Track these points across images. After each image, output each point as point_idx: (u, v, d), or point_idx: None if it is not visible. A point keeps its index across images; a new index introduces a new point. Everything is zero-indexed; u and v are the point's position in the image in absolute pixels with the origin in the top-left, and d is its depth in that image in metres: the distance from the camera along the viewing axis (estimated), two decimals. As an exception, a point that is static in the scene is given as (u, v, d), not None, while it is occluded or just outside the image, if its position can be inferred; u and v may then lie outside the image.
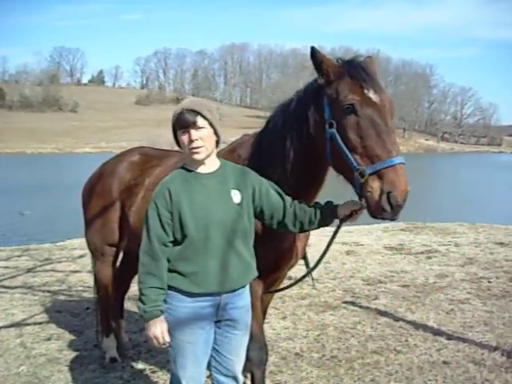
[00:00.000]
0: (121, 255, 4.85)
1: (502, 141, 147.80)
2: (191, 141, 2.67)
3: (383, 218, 2.68)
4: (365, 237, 11.05)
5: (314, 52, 2.84)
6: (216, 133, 2.76)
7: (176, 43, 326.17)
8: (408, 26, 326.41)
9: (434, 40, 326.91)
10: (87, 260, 4.99)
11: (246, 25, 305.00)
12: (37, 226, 17.16)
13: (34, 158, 63.10)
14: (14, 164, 48.91)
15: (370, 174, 2.63)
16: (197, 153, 2.69)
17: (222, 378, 2.96)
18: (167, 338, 2.73)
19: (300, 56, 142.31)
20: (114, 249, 4.54)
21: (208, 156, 2.76)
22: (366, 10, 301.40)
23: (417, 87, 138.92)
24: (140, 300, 2.72)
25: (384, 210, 2.61)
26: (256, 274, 2.94)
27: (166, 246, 2.72)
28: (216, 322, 2.86)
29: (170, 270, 2.74)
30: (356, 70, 2.81)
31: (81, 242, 9.55)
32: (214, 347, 2.90)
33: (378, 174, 2.61)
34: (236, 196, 2.78)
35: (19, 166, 47.46)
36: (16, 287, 7.17)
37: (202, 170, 2.79)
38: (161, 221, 2.69)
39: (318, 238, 9.65)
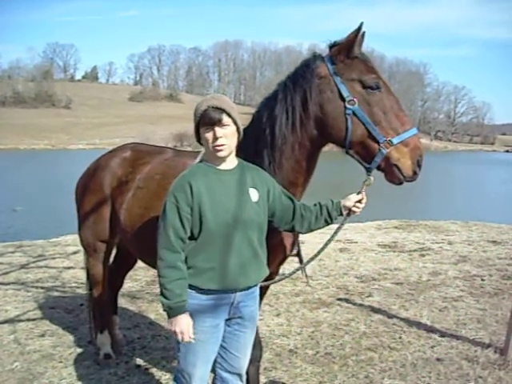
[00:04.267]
0: (114, 251, 4.85)
1: (496, 139, 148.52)
2: (216, 138, 2.66)
3: (408, 181, 3.01)
4: (358, 234, 11.07)
5: (359, 29, 2.99)
6: (238, 130, 2.77)
7: (170, 40, 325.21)
8: (403, 24, 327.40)
9: (428, 39, 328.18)
10: (81, 256, 4.98)
11: (240, 22, 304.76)
12: (30, 222, 17.09)
13: (27, 154, 62.82)
14: (6, 160, 48.65)
15: (397, 144, 2.93)
16: (221, 150, 2.69)
17: (226, 375, 2.98)
18: (192, 335, 2.68)
19: (294, 53, 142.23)
20: (106, 245, 4.52)
21: (230, 153, 2.77)
22: (361, 9, 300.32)
23: (410, 86, 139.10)
24: (163, 295, 2.67)
25: (415, 172, 2.98)
26: (268, 271, 2.96)
27: (184, 241, 2.69)
28: (226, 320, 2.87)
29: (187, 267, 2.72)
30: (365, 55, 3.09)
31: (74, 238, 9.52)
32: (221, 344, 2.91)
33: (405, 143, 2.95)
34: (254, 194, 2.80)
35: (12, 162, 47.24)
36: (9, 283, 7.14)
37: (221, 166, 2.79)
38: (180, 215, 2.66)
39: (312, 235, 9.67)
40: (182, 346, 2.82)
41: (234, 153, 2.82)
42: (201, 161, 2.87)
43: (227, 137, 2.68)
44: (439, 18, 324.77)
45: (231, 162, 2.83)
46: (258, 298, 2.97)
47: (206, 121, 2.68)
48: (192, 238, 2.72)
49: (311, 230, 3.11)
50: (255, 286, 2.90)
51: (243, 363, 3.01)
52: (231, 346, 2.91)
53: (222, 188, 2.73)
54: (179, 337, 2.66)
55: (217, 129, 2.66)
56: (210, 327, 2.77)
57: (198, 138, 2.80)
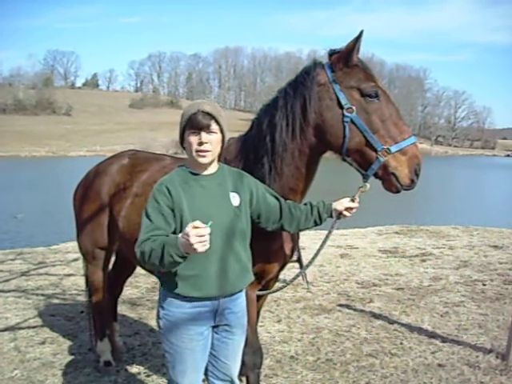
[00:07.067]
0: (113, 258, 4.84)
1: (496, 144, 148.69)
2: (201, 143, 2.64)
3: (405, 190, 3.03)
4: (359, 240, 11.05)
5: (359, 38, 3.02)
6: (223, 139, 2.75)
7: (170, 46, 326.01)
8: (403, 30, 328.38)
9: (428, 44, 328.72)
10: (81, 263, 4.97)
11: (240, 28, 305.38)
12: (30, 229, 17.09)
13: (28, 161, 62.88)
14: (7, 167, 48.69)
15: (395, 152, 2.95)
16: (203, 156, 2.67)
17: (218, 383, 2.95)
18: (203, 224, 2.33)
19: (294, 59, 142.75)
20: (105, 252, 4.51)
21: (212, 161, 2.75)
22: (363, 15, 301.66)
23: (411, 91, 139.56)
24: (160, 257, 2.42)
25: (413, 181, 3.00)
26: (253, 277, 2.94)
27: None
28: (213, 327, 2.84)
29: (168, 274, 2.69)
30: (364, 63, 3.09)
31: (75, 245, 9.46)
32: (210, 352, 2.88)
33: (403, 151, 2.96)
34: (235, 199, 2.78)
35: (13, 169, 47.28)
36: (10, 291, 7.13)
37: (201, 171, 2.77)
38: (163, 215, 2.57)
39: (312, 241, 9.68)
40: (170, 356, 2.80)
41: (216, 160, 2.81)
42: (181, 165, 2.84)
43: (212, 144, 2.66)
44: (440, 23, 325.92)
45: (212, 167, 2.81)
46: (244, 303, 2.95)
47: (193, 124, 2.65)
48: None
49: (300, 230, 3.14)
50: (240, 291, 2.88)
51: (234, 370, 2.98)
52: (220, 353, 2.89)
53: (202, 193, 2.71)
54: (199, 243, 2.28)
55: (203, 134, 2.64)
56: (196, 335, 2.75)
57: (182, 141, 2.76)
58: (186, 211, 2.63)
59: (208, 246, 2.33)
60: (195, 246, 2.27)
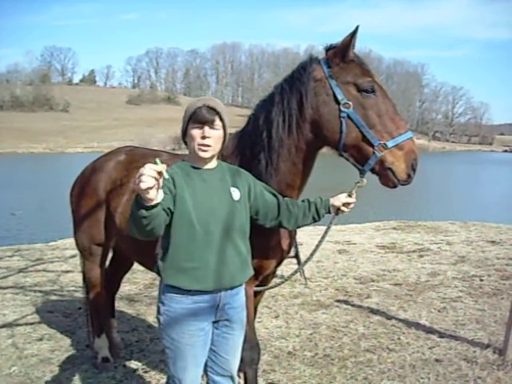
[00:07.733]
0: (110, 255, 4.83)
1: (494, 140, 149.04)
2: (203, 137, 2.65)
3: (402, 185, 3.03)
4: (357, 236, 11.07)
5: (355, 33, 3.02)
6: (225, 137, 2.77)
7: (167, 42, 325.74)
8: (402, 26, 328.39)
9: (426, 40, 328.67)
10: (79, 260, 4.98)
11: (237, 24, 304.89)
12: (28, 226, 17.07)
13: (26, 157, 62.81)
14: (5, 164, 48.62)
15: (391, 147, 2.95)
16: (204, 151, 2.68)
17: (218, 378, 2.95)
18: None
19: (291, 55, 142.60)
20: (102, 248, 4.50)
21: (213, 157, 2.77)
22: (361, 11, 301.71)
23: (408, 86, 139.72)
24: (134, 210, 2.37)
25: (410, 176, 2.99)
26: (252, 272, 2.95)
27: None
28: (213, 322, 2.84)
29: (168, 268, 2.69)
30: (360, 59, 3.09)
31: (72, 241, 9.41)
32: (210, 348, 2.88)
33: (399, 146, 2.96)
34: (235, 193, 2.79)
35: (10, 165, 47.22)
36: (7, 287, 7.12)
37: (202, 166, 2.78)
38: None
39: (310, 237, 9.68)
40: (170, 352, 2.79)
41: (216, 156, 2.82)
42: (183, 160, 2.85)
43: (214, 139, 2.68)
44: (438, 19, 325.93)
45: (212, 163, 2.82)
46: (243, 299, 2.95)
47: (198, 118, 2.66)
48: (169, 227, 2.62)
49: (299, 227, 3.16)
50: (240, 285, 2.88)
51: (234, 365, 2.98)
52: (220, 348, 2.89)
53: (203, 186, 2.72)
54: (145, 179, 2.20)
55: (206, 128, 2.65)
56: (197, 330, 2.74)
57: (184, 135, 2.78)
58: (188, 203, 2.63)
59: (149, 182, 2.19)
60: (142, 181, 2.18)
